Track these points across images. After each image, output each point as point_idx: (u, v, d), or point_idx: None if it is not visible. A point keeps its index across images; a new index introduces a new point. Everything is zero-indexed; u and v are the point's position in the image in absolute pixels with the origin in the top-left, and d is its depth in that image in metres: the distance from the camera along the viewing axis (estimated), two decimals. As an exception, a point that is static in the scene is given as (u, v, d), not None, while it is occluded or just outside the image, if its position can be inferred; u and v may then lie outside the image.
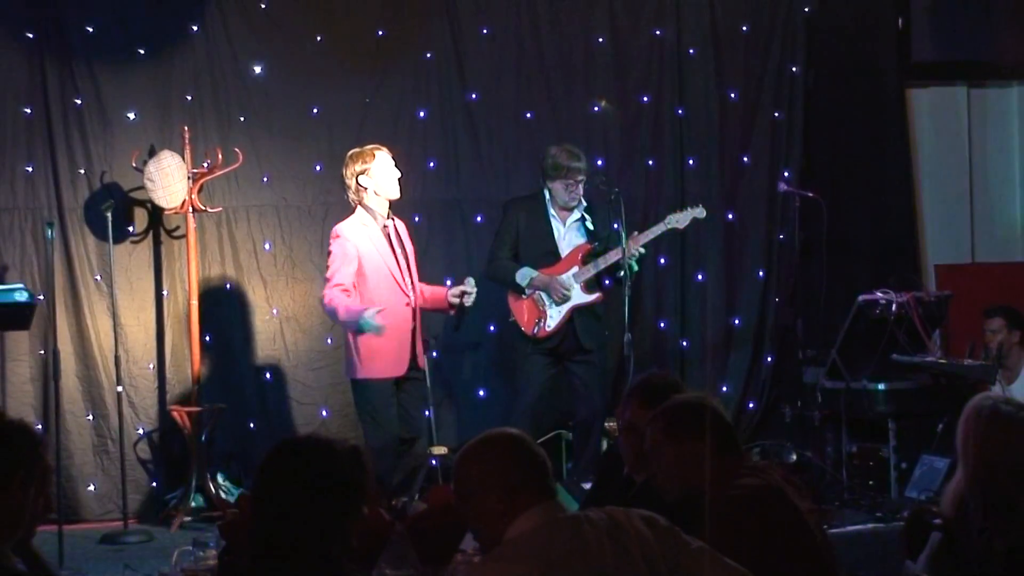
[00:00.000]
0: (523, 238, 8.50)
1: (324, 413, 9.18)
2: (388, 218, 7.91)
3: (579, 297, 8.40)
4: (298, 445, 3.49)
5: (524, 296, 8.43)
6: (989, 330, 9.13)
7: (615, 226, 8.25)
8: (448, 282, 9.52)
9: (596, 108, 9.90)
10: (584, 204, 8.52)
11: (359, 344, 7.68)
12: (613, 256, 8.31)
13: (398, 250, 7.88)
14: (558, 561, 3.47)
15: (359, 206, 7.83)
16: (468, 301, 8.03)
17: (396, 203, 9.40)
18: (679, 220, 8.69)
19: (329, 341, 8.96)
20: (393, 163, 7.91)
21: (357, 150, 7.93)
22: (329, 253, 7.82)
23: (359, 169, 7.79)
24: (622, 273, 8.30)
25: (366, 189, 7.81)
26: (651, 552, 3.58)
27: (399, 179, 7.95)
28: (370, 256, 7.73)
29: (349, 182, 7.84)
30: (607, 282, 8.62)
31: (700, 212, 8.75)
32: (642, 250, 8.40)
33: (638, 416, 4.95)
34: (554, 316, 8.38)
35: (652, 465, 4.42)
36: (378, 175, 7.82)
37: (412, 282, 7.93)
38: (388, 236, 7.85)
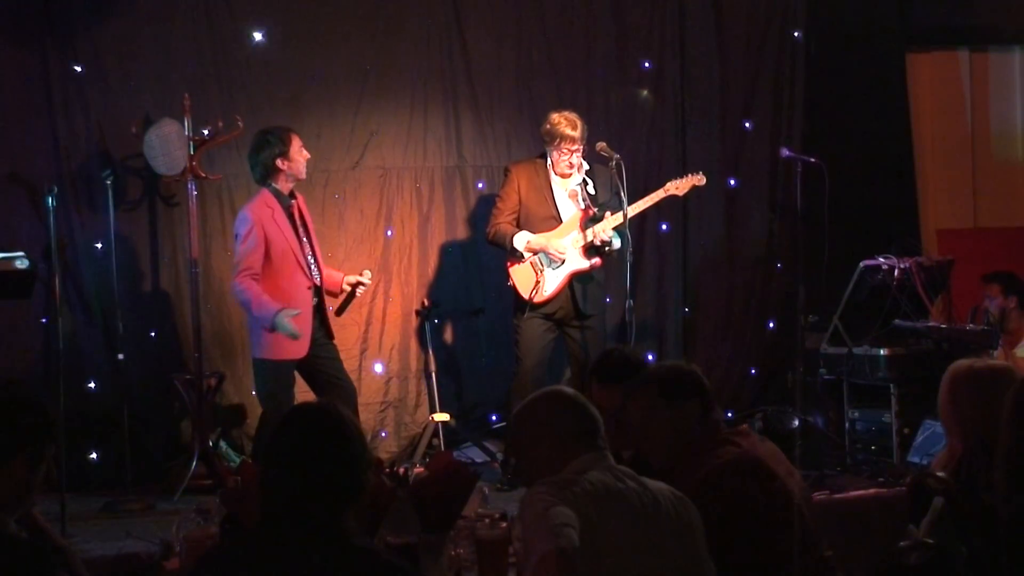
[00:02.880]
0: (524, 202, 8.47)
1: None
2: (292, 197, 7.90)
3: (577, 262, 8.37)
4: (308, 412, 3.49)
5: (522, 260, 8.41)
6: (987, 296, 9.17)
7: (616, 192, 8.22)
8: (450, 251, 9.57)
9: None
10: (587, 168, 8.48)
11: (261, 324, 7.73)
12: (613, 222, 8.28)
13: (301, 229, 7.88)
14: (593, 493, 3.71)
15: (266, 187, 7.82)
16: (359, 291, 8.13)
17: (399, 168, 9.43)
18: (678, 187, 8.68)
19: (330, 308, 8.94)
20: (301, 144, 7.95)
21: (271, 131, 7.89)
22: (236, 236, 7.79)
23: (277, 151, 7.76)
24: (620, 241, 8.30)
25: (280, 171, 7.79)
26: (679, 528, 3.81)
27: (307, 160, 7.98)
28: (276, 239, 7.71)
29: (265, 163, 7.79)
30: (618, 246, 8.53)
31: (700, 179, 8.73)
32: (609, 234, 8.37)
33: (600, 396, 5.01)
34: (551, 281, 8.35)
35: (641, 430, 4.45)
36: (295, 156, 7.81)
37: (316, 261, 7.94)
38: (294, 216, 7.84)
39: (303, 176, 7.92)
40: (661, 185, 8.69)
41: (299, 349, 7.74)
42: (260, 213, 7.71)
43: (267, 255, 7.70)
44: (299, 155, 7.83)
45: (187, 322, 8.80)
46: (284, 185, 7.81)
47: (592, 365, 5.54)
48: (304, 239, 7.87)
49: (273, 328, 7.59)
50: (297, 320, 7.65)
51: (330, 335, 8.01)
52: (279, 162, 7.75)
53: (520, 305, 8.45)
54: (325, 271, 8.04)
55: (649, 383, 4.53)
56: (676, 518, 3.81)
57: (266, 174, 7.80)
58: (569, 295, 8.40)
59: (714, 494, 4.13)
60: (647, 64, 10.11)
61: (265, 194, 7.78)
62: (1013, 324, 9.12)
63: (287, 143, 7.78)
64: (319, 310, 7.90)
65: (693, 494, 4.01)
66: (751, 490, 4.18)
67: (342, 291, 8.11)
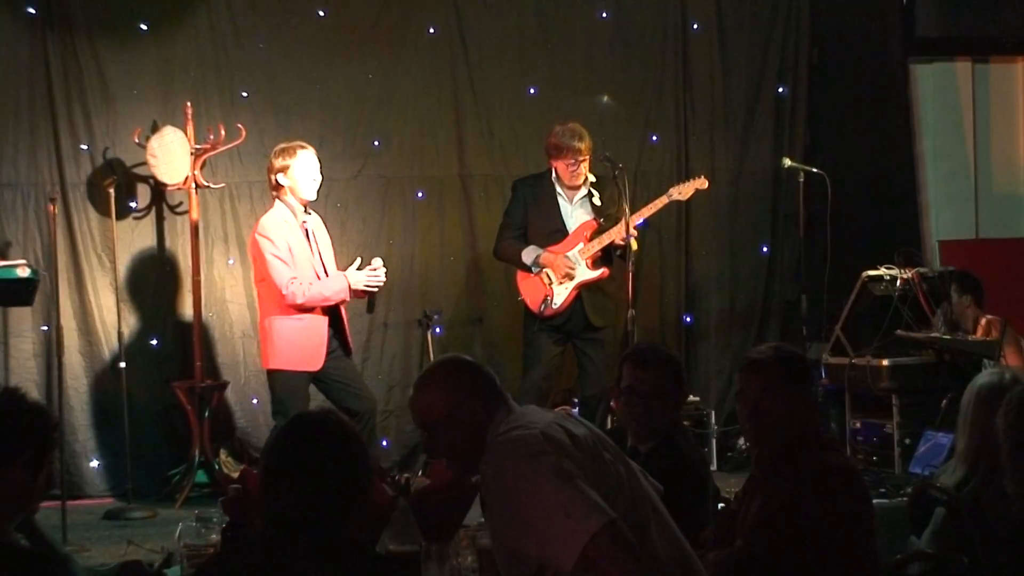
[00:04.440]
0: (531, 217, 8.47)
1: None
2: (307, 213, 7.80)
3: (585, 274, 8.36)
4: (311, 420, 3.48)
5: (531, 275, 8.40)
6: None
7: (621, 203, 8.22)
8: (452, 260, 9.55)
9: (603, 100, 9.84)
10: (592, 180, 8.48)
11: (274, 335, 7.62)
12: (618, 232, 8.28)
13: (315, 247, 7.78)
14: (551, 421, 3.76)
15: (279, 200, 7.73)
16: (375, 281, 7.89)
17: (401, 177, 9.41)
18: (681, 192, 8.69)
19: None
20: (317, 165, 7.75)
21: (282, 145, 7.77)
22: (260, 252, 7.61)
23: (279, 166, 7.65)
24: (625, 250, 8.29)
25: (283, 187, 7.71)
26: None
27: (319, 182, 7.80)
28: (295, 252, 7.64)
29: (270, 177, 7.72)
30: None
31: (702, 183, 8.73)
32: (634, 231, 8.32)
33: (632, 378, 4.96)
34: (560, 294, 8.35)
35: (755, 412, 4.33)
36: (296, 175, 7.67)
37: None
38: (306, 234, 7.77)
39: (306, 196, 7.69)
40: (664, 193, 8.70)
41: (314, 362, 7.66)
42: (277, 226, 7.61)
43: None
44: (302, 174, 7.66)
45: (189, 330, 8.80)
46: (293, 200, 7.70)
47: (624, 354, 5.48)
48: (317, 257, 7.80)
49: (354, 288, 7.67)
50: (311, 335, 7.62)
51: (348, 351, 7.94)
52: (279, 177, 7.68)
53: (530, 317, 8.45)
54: None
55: (776, 363, 4.31)
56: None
57: (273, 187, 7.74)
58: (578, 307, 8.39)
59: (826, 496, 4.06)
60: (649, 74, 10.10)
61: (278, 206, 7.71)
62: (967, 323, 9.04)
63: (289, 158, 7.68)
64: (335, 325, 7.82)
65: (798, 490, 4.03)
66: (855, 501, 4.14)
67: (364, 292, 7.99)
